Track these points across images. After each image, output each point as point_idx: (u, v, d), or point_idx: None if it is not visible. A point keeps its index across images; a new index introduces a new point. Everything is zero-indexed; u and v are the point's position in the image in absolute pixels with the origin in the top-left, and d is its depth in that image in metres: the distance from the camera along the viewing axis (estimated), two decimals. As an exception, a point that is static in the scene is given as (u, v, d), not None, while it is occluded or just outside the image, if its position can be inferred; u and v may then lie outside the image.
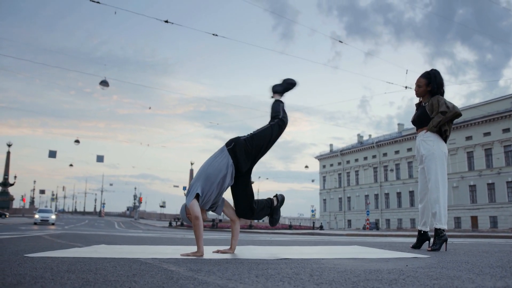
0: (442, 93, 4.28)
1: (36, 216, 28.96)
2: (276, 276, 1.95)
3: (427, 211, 4.30)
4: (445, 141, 4.23)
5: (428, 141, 4.19)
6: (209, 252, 3.35)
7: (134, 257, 2.93)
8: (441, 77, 4.29)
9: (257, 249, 4.29)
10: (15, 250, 3.44)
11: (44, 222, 28.26)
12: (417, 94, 4.38)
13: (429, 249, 4.04)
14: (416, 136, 4.44)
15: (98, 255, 3.08)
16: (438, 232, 4.06)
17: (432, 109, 4.16)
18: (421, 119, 4.28)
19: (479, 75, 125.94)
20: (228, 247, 3.53)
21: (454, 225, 45.34)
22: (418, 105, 4.43)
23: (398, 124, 59.66)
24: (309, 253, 3.62)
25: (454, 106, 4.12)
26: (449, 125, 4.19)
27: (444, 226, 4.07)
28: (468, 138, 45.54)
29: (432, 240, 4.17)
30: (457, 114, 4.13)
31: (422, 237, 4.38)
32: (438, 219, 4.06)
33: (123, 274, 1.95)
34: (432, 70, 4.34)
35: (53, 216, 29.84)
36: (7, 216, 50.86)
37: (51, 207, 68.84)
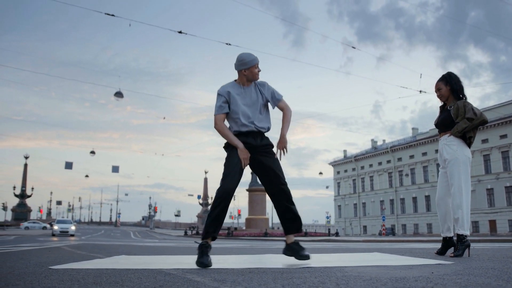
0: (462, 88, 4.23)
1: (55, 227, 26.90)
2: (302, 286, 1.94)
3: (448, 215, 4.23)
4: (469, 147, 4.17)
5: (451, 145, 4.13)
6: (230, 261, 3.33)
7: (156, 267, 2.94)
8: (455, 74, 4.30)
9: (276, 257, 4.27)
10: (39, 262, 3.48)
11: (64, 233, 26.44)
12: (441, 98, 4.35)
13: (452, 255, 3.99)
14: (439, 140, 4.39)
15: (121, 266, 3.10)
16: (461, 238, 4.01)
17: (458, 114, 4.10)
18: (445, 123, 4.23)
19: (493, 77, 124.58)
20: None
21: (472, 229, 44.62)
22: (442, 108, 4.39)
23: (413, 129, 59.22)
24: (330, 261, 3.59)
25: (481, 113, 4.03)
26: (474, 131, 4.12)
27: (466, 232, 4.01)
28: (484, 141, 44.94)
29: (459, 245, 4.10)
30: (484, 121, 4.05)
31: (448, 243, 4.30)
32: (461, 225, 4.00)
33: (149, 286, 1.96)
34: (446, 73, 4.37)
35: (73, 227, 27.61)
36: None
37: (67, 217, 69.38)
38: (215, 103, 3.28)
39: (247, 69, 3.26)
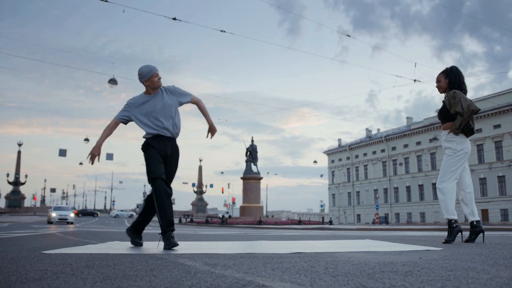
0: (461, 82, 4.24)
1: (53, 214, 23.93)
2: (291, 269, 1.97)
3: (469, 201, 4.22)
4: (472, 133, 4.19)
5: (452, 141, 4.16)
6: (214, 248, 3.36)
7: (149, 252, 2.97)
8: (457, 68, 4.33)
9: (269, 244, 4.32)
10: (32, 247, 3.50)
11: (62, 221, 23.77)
12: (439, 90, 4.38)
13: (443, 241, 4.06)
14: (440, 132, 4.44)
15: (114, 251, 3.13)
16: (451, 223, 4.07)
17: (450, 104, 4.13)
18: (443, 115, 4.28)
19: (487, 67, 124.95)
20: None
21: (464, 219, 44.99)
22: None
23: (407, 118, 59.29)
24: (322, 247, 3.64)
25: (469, 105, 3.99)
26: (470, 120, 4.12)
27: (451, 216, 4.08)
28: (478, 130, 45.12)
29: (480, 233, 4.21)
30: (473, 112, 4.02)
31: (475, 228, 4.25)
32: (444, 210, 4.08)
33: (141, 269, 1.98)
34: (450, 66, 4.39)
35: (72, 214, 24.72)
36: (98, 215, 57.84)
37: (62, 205, 69.31)
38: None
39: (147, 80, 3.57)
